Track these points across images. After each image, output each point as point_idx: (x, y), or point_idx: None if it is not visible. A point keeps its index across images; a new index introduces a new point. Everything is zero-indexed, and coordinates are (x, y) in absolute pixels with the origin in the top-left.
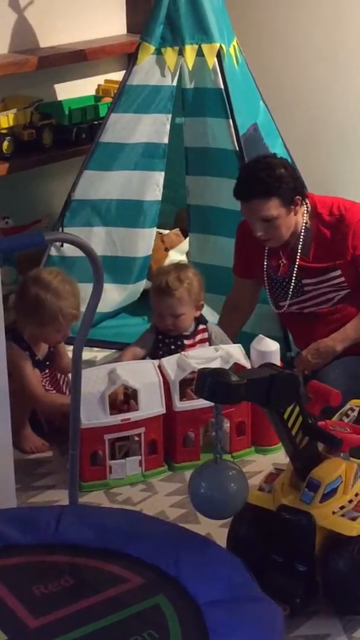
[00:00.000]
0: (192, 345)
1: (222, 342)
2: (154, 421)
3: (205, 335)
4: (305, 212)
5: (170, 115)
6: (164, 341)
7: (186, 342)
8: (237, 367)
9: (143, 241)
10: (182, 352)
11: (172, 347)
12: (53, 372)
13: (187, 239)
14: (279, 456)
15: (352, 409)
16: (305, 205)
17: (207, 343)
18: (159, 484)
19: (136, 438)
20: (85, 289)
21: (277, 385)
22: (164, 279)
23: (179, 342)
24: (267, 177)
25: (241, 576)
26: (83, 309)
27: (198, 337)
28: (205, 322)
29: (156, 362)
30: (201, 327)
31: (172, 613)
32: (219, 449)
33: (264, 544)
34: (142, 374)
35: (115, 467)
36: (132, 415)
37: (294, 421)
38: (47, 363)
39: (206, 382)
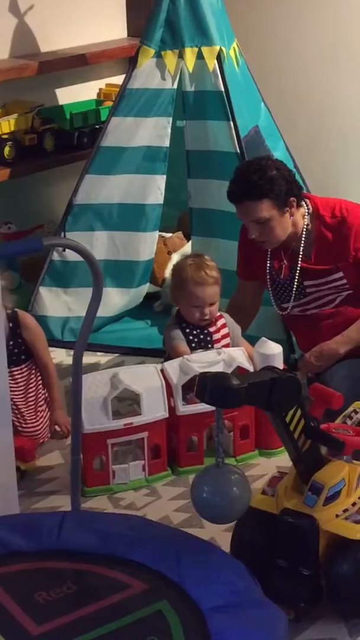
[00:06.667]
0: (217, 332)
1: (234, 330)
2: (157, 425)
3: (223, 321)
4: (306, 213)
5: (171, 119)
6: (192, 333)
7: (211, 329)
8: (239, 370)
9: (145, 245)
10: (186, 357)
11: (201, 336)
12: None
13: (190, 242)
14: (283, 459)
15: (355, 412)
16: (305, 207)
17: (227, 329)
18: (163, 489)
19: (139, 443)
20: (88, 294)
21: (279, 389)
22: (199, 270)
23: (206, 331)
24: (258, 179)
25: (244, 581)
26: (77, 313)
27: (219, 323)
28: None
29: (159, 366)
30: (218, 314)
31: (175, 619)
32: (220, 452)
33: (267, 548)
34: (144, 378)
35: (119, 472)
36: (135, 420)
37: (296, 424)
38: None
39: (207, 386)
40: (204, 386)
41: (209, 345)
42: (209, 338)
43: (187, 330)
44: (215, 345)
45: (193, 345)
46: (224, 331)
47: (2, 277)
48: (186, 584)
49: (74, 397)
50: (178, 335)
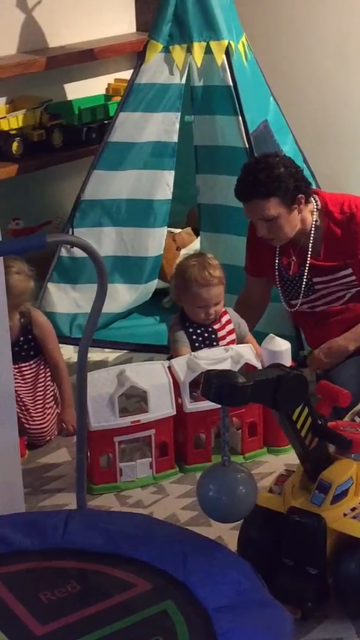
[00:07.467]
0: (222, 329)
1: (240, 324)
2: (165, 423)
3: (228, 317)
4: (315, 210)
5: (179, 114)
6: (196, 332)
7: (216, 327)
8: (247, 367)
9: (154, 241)
10: (193, 354)
11: (206, 334)
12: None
13: (199, 238)
14: (291, 457)
15: None
16: (314, 203)
17: (232, 325)
18: (170, 486)
19: (146, 440)
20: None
21: (285, 387)
22: (203, 271)
23: (210, 329)
24: (265, 177)
25: (250, 580)
26: (85, 309)
27: (224, 320)
28: None
29: (166, 363)
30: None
31: (180, 618)
32: (226, 451)
33: (274, 547)
34: (151, 376)
35: (126, 469)
36: (142, 417)
37: (303, 422)
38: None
39: (212, 384)
40: (209, 384)
41: (214, 343)
42: (213, 336)
43: (191, 329)
44: (221, 343)
45: (197, 344)
46: (228, 327)
47: (32, 277)
48: (192, 584)
49: (78, 394)
50: (181, 337)
